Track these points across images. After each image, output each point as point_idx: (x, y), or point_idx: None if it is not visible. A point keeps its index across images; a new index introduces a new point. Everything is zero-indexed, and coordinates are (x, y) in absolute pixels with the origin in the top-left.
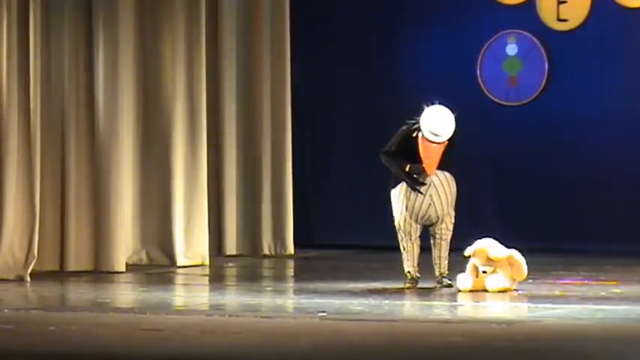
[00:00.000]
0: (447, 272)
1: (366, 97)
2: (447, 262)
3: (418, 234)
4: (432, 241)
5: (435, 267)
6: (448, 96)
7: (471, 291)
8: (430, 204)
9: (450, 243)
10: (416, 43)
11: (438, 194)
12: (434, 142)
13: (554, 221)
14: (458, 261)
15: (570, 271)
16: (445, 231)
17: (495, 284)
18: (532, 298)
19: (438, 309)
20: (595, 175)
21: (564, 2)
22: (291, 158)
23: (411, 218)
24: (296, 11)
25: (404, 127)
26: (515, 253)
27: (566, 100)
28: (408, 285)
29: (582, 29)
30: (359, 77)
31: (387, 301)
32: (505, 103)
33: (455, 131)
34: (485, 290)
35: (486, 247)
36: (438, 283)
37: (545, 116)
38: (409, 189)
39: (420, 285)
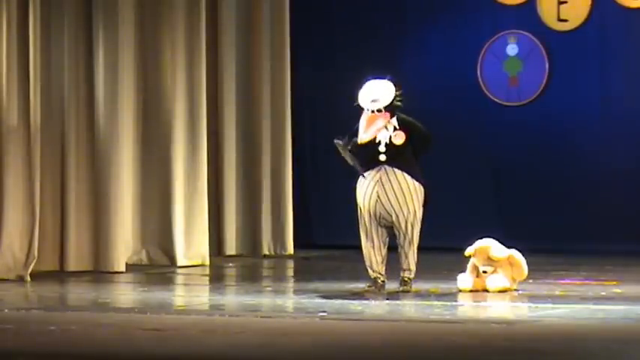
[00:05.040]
0: (409, 276)
1: None
2: (412, 262)
3: (378, 233)
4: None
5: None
6: (448, 96)
7: (471, 291)
8: (377, 200)
9: (418, 245)
10: (416, 43)
11: (384, 190)
12: (373, 112)
13: (554, 221)
14: (458, 261)
15: (570, 271)
16: (405, 229)
17: (496, 284)
18: (532, 298)
19: (438, 309)
20: (595, 175)
21: (564, 2)
22: (291, 158)
23: (367, 216)
24: (296, 12)
25: None
26: (516, 253)
27: (566, 100)
28: (367, 287)
29: (582, 29)
30: (358, 78)
31: (387, 301)
32: (505, 103)
33: (395, 98)
34: (486, 290)
35: (487, 246)
36: (399, 284)
37: (545, 116)
38: (360, 184)
39: (415, 286)
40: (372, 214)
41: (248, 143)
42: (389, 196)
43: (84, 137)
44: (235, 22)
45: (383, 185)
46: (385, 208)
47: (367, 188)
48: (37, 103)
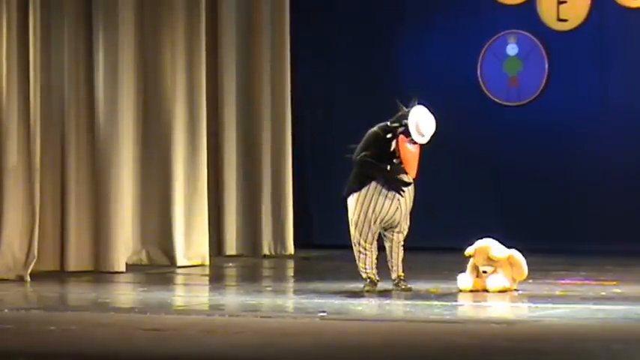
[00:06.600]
0: (404, 275)
1: (365, 97)
2: (401, 262)
3: (377, 237)
4: (386, 244)
5: (392, 270)
6: (448, 96)
7: (471, 291)
8: (397, 208)
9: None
10: (416, 43)
11: (405, 199)
12: (416, 143)
13: (554, 221)
14: (458, 261)
15: (570, 271)
16: (403, 234)
17: (496, 284)
18: (532, 298)
19: (438, 309)
20: (595, 175)
21: (564, 2)
22: (291, 158)
23: (375, 222)
24: (296, 12)
25: (375, 129)
26: (516, 253)
27: (567, 100)
28: (368, 288)
29: (582, 29)
30: (359, 78)
31: (387, 301)
32: (505, 103)
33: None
34: (486, 290)
35: (487, 246)
36: (396, 285)
37: (546, 116)
38: (378, 192)
39: (415, 286)
40: (383, 220)
41: (248, 144)
42: (408, 204)
43: (84, 138)
44: (235, 23)
45: (405, 196)
46: (401, 215)
47: (388, 196)
48: (37, 104)
